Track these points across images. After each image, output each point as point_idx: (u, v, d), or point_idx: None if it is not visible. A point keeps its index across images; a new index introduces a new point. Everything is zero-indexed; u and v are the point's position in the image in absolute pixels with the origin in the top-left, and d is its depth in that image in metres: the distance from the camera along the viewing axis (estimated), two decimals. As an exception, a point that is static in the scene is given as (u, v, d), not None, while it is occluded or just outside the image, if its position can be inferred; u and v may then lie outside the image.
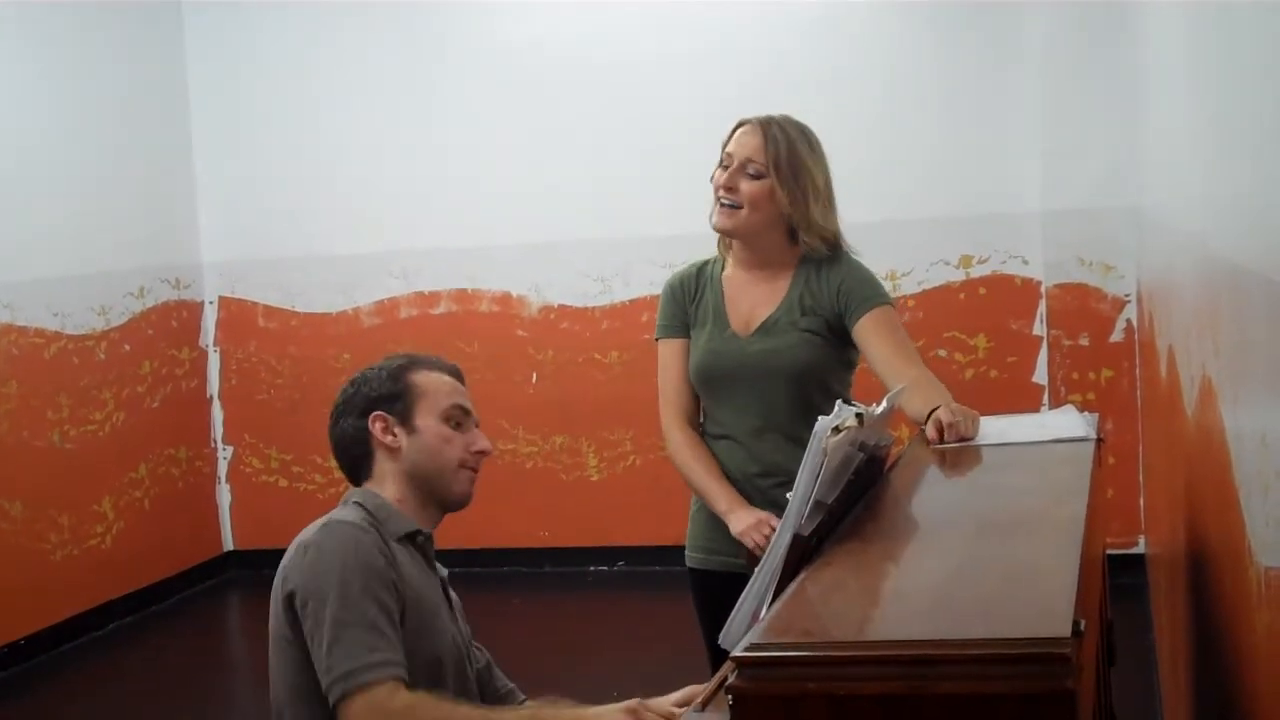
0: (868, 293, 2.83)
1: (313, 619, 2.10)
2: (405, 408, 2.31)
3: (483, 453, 2.35)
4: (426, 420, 2.31)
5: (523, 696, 2.43)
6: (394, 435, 2.30)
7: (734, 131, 2.85)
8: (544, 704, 2.26)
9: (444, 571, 2.40)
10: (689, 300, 2.94)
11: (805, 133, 2.83)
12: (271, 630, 2.19)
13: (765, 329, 2.85)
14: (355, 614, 2.08)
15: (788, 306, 2.85)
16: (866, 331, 2.80)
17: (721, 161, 2.84)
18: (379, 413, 2.30)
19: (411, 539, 2.27)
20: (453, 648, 2.25)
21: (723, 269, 2.94)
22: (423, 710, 2.07)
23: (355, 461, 2.33)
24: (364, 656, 2.05)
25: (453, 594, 2.37)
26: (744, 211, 2.80)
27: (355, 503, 2.27)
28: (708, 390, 2.91)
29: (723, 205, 2.82)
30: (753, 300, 2.89)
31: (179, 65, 6.63)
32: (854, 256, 2.90)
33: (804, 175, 2.79)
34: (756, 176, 2.78)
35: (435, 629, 2.21)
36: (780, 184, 2.77)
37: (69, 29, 5.99)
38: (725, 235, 2.88)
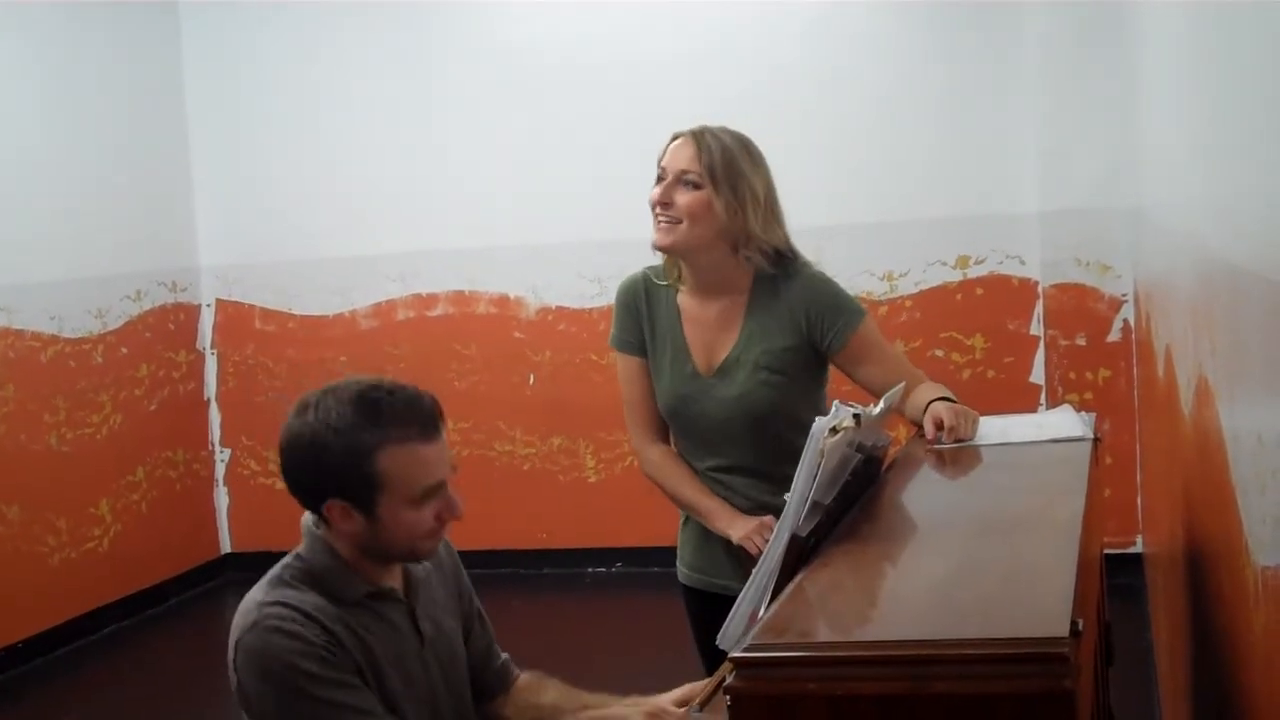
0: (840, 314, 2.70)
1: None
2: (367, 497, 2.03)
3: (454, 519, 2.11)
4: (392, 510, 2.04)
5: (517, 672, 2.41)
6: (352, 521, 2.06)
7: (668, 145, 2.71)
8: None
9: (445, 560, 2.32)
10: (643, 317, 2.80)
11: (744, 142, 2.70)
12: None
13: (726, 369, 2.72)
14: (322, 706, 2.00)
15: (745, 342, 2.71)
16: (851, 359, 2.70)
17: (658, 176, 2.69)
18: (334, 501, 2.05)
19: (370, 597, 2.12)
20: (426, 701, 2.17)
21: (677, 292, 2.79)
22: None
23: (312, 511, 2.13)
24: None
25: (424, 625, 2.20)
26: (683, 226, 2.64)
27: (301, 559, 2.11)
28: (676, 428, 2.82)
29: (660, 221, 2.65)
30: (710, 332, 2.75)
31: (176, 67, 6.62)
32: (811, 269, 2.75)
33: (741, 184, 2.63)
34: (695, 186, 2.63)
35: (399, 694, 2.11)
36: (716, 193, 2.61)
37: (65, 31, 5.98)
38: (666, 253, 2.70)
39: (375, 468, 2.01)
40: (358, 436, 2.01)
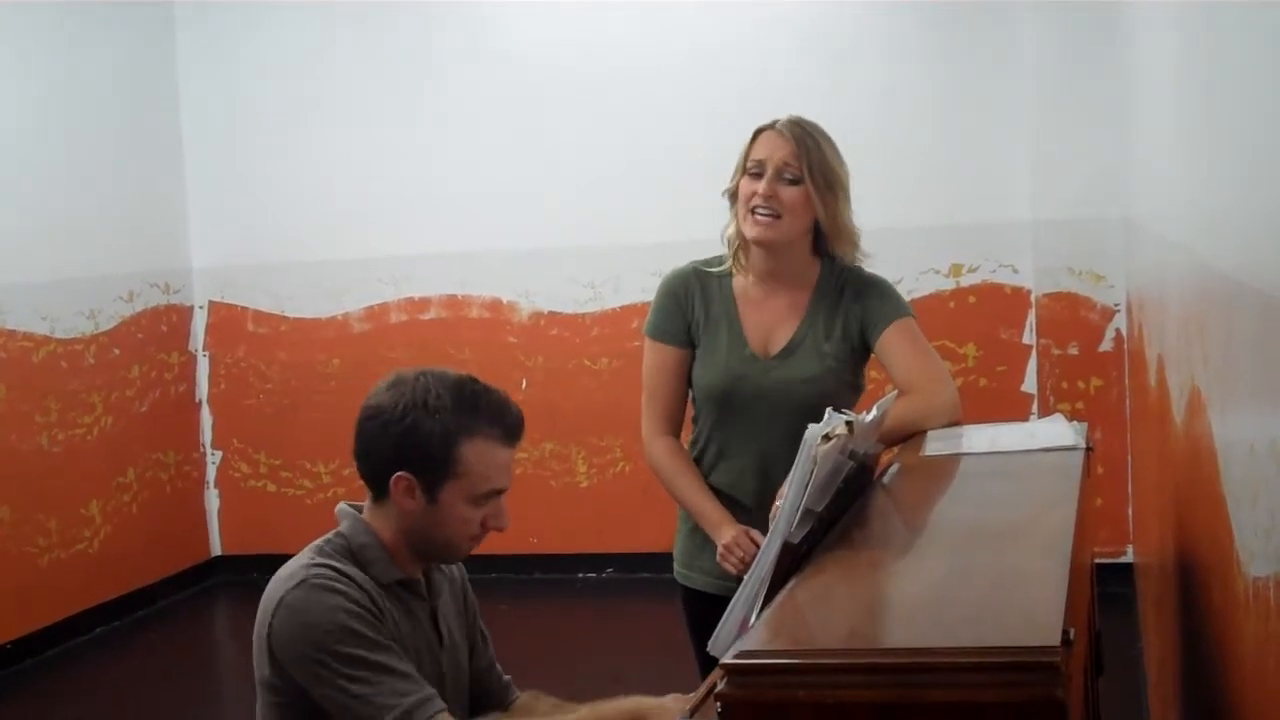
0: (889, 308, 2.76)
1: (328, 686, 2.01)
2: (437, 481, 2.11)
3: (498, 529, 2.18)
4: (453, 500, 2.12)
5: (516, 693, 2.41)
6: (413, 499, 2.12)
7: (756, 137, 2.72)
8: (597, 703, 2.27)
9: (455, 574, 2.35)
10: (692, 307, 2.79)
11: (827, 134, 2.75)
12: (257, 677, 2.11)
13: (788, 352, 2.74)
14: (364, 667, 2.00)
15: (811, 327, 2.74)
16: (887, 346, 2.73)
17: (747, 169, 2.70)
18: (405, 474, 2.11)
19: (400, 585, 2.18)
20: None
21: (731, 277, 2.80)
22: None
23: (371, 484, 2.18)
24: (399, 702, 1.99)
25: (443, 627, 2.25)
26: (785, 220, 2.68)
27: (342, 537, 2.16)
28: (717, 411, 2.79)
29: (760, 215, 2.67)
30: (771, 317, 2.77)
31: (170, 70, 6.62)
32: (868, 269, 2.82)
33: (835, 179, 2.71)
34: (793, 182, 2.67)
35: None
36: (815, 190, 2.67)
37: (60, 32, 5.97)
38: (762, 246, 2.72)
39: (457, 454, 2.09)
40: (452, 420, 2.09)
